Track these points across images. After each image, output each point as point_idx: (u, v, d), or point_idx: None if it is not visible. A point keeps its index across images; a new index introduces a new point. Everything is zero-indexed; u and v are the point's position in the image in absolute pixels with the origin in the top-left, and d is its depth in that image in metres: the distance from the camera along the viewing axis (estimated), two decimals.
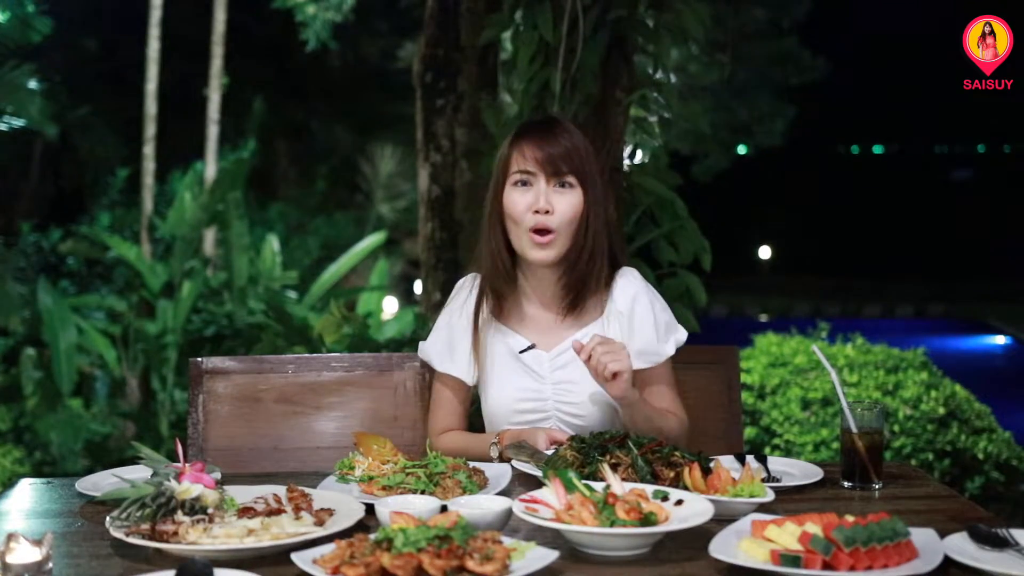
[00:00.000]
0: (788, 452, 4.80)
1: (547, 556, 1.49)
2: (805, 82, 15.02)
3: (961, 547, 1.57)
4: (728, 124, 14.74)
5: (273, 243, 9.69)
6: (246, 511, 1.69)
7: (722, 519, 1.68)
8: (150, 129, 10.64)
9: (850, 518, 1.53)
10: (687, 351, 2.36)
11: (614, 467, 1.88)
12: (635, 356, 2.22)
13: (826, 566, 1.47)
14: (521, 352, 2.28)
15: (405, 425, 2.50)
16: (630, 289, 2.29)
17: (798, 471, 2.09)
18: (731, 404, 2.57)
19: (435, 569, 1.40)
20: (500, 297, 2.29)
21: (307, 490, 1.82)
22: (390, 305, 10.69)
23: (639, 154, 3.80)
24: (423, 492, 1.86)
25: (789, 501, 1.89)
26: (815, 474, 2.05)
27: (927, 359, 5.25)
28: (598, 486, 1.71)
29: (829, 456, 4.67)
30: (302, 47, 9.98)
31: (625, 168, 3.63)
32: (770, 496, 1.80)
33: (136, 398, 8.14)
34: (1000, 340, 16.43)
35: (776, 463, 2.13)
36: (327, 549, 1.51)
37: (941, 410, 4.74)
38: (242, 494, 1.78)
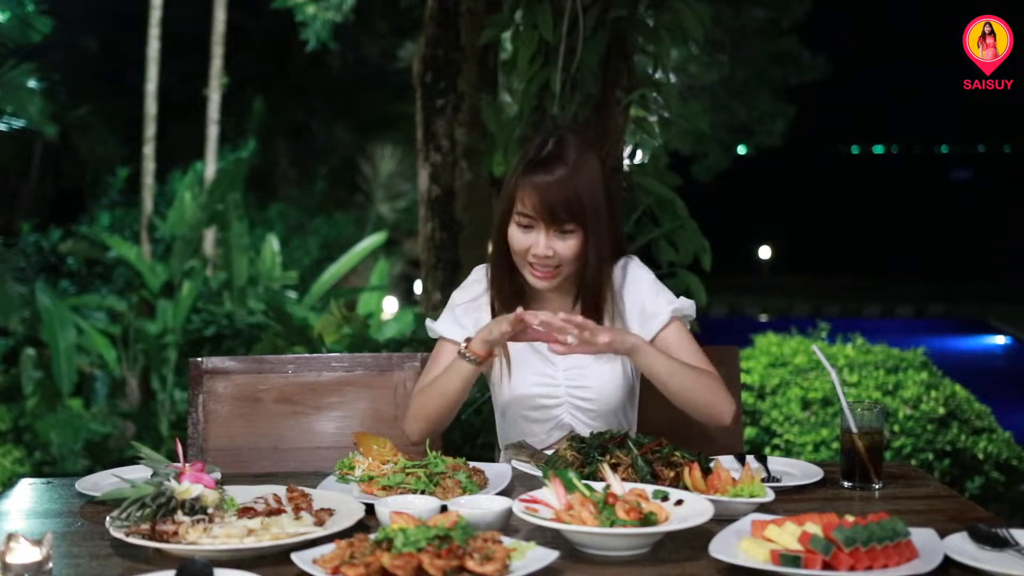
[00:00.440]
0: (788, 452, 4.80)
1: (547, 556, 1.49)
2: (805, 82, 15.01)
3: (961, 547, 1.57)
4: (728, 124, 14.73)
5: (273, 243, 9.69)
6: (246, 511, 1.69)
7: (722, 519, 1.68)
8: (150, 129, 10.65)
9: (850, 518, 1.53)
10: None
11: (614, 467, 1.88)
12: (636, 329, 2.26)
13: (826, 566, 1.47)
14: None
15: None
16: (632, 276, 2.34)
17: (798, 471, 2.09)
18: None
19: (435, 569, 1.40)
20: (506, 305, 2.32)
21: (307, 490, 1.82)
22: (390, 305, 10.69)
23: (639, 154, 3.80)
24: (423, 492, 1.86)
25: (789, 501, 1.89)
26: (815, 474, 2.05)
27: (927, 359, 5.25)
28: (598, 486, 1.71)
29: (829, 456, 4.67)
30: (302, 47, 9.99)
31: (625, 168, 3.63)
32: (770, 496, 1.80)
33: (136, 398, 8.14)
34: (1000, 340, 16.43)
35: (776, 463, 2.13)
36: (327, 549, 1.51)
37: (941, 410, 4.73)
38: (242, 494, 1.78)
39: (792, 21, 14.01)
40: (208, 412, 2.48)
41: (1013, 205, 23.61)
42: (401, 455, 2.01)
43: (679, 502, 1.70)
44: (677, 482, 1.86)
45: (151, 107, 10.62)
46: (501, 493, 1.88)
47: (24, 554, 1.41)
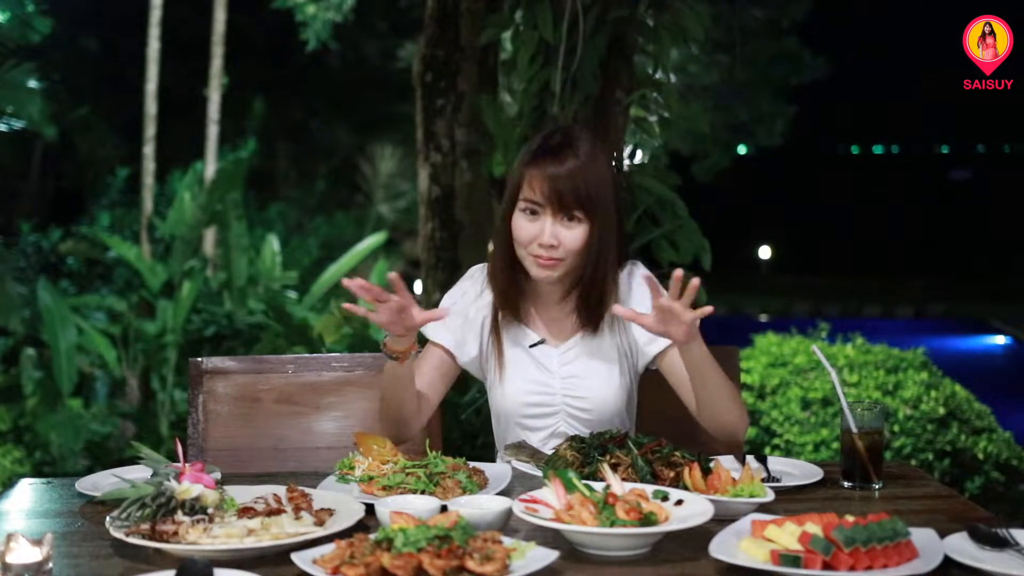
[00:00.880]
0: (788, 452, 4.80)
1: (547, 556, 1.49)
2: (805, 82, 15.03)
3: (961, 547, 1.57)
4: (728, 124, 14.74)
5: (273, 243, 9.70)
6: (246, 511, 1.69)
7: (722, 519, 1.68)
8: (150, 129, 10.66)
9: (850, 518, 1.53)
10: None
11: (614, 467, 1.88)
12: (649, 341, 2.24)
13: (826, 566, 1.47)
14: (532, 346, 2.29)
15: None
16: (633, 284, 2.30)
17: (798, 471, 2.09)
18: None
19: (435, 569, 1.40)
20: (508, 303, 2.29)
21: (307, 490, 1.82)
22: None
23: (639, 154, 3.80)
24: (423, 492, 1.86)
25: (789, 501, 1.89)
26: (815, 474, 2.05)
27: (927, 359, 5.25)
28: (598, 486, 1.70)
29: (829, 456, 4.67)
30: (302, 47, 9.98)
31: (625, 168, 3.63)
32: (770, 496, 1.80)
33: (136, 398, 8.14)
34: (1000, 340, 16.44)
35: (776, 463, 2.13)
36: (327, 549, 1.51)
37: (941, 410, 4.73)
38: (242, 494, 1.78)
39: (792, 21, 14.03)
40: (208, 412, 2.48)
41: (1013, 205, 23.61)
42: (401, 455, 2.01)
43: (679, 502, 1.70)
44: (677, 482, 1.86)
45: (151, 107, 10.63)
46: (501, 493, 1.88)
47: (24, 554, 1.41)
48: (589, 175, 2.16)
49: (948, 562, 1.52)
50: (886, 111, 27.17)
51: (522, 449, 2.20)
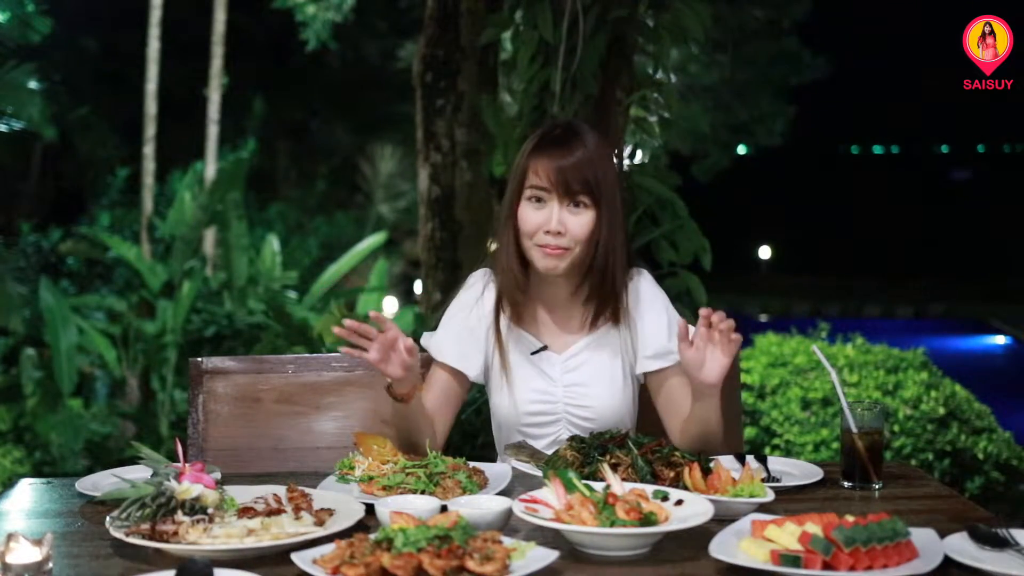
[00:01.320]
0: (788, 452, 4.80)
1: (547, 556, 1.49)
2: (805, 82, 15.02)
3: (961, 547, 1.57)
4: (728, 124, 14.73)
5: (273, 243, 9.70)
6: (246, 511, 1.69)
7: (722, 519, 1.68)
8: (150, 129, 10.65)
9: (850, 518, 1.53)
10: None
11: (614, 467, 1.88)
12: (651, 358, 2.23)
13: (826, 566, 1.47)
14: (533, 353, 2.27)
15: None
16: (643, 293, 2.28)
17: (798, 471, 2.09)
18: (731, 404, 2.56)
19: (435, 569, 1.40)
20: (514, 301, 2.28)
21: (307, 490, 1.81)
22: (390, 305, 10.69)
23: (639, 154, 3.80)
24: (423, 492, 1.86)
25: (789, 501, 1.89)
26: (815, 474, 2.05)
27: (927, 359, 5.25)
28: (598, 486, 1.70)
29: (829, 456, 4.67)
30: (302, 47, 9.98)
31: (625, 168, 3.63)
32: (770, 496, 1.79)
33: (136, 398, 8.14)
34: (1000, 340, 16.44)
35: (776, 463, 2.13)
36: (327, 549, 1.51)
37: (941, 410, 4.73)
38: (242, 494, 1.78)
39: (792, 21, 14.02)
40: (208, 412, 2.48)
41: (1013, 205, 23.61)
42: (401, 455, 2.01)
43: (679, 502, 1.70)
44: (677, 482, 1.86)
45: (151, 107, 10.63)
46: (501, 493, 1.88)
47: (24, 554, 1.41)
48: (595, 162, 2.16)
49: (948, 562, 1.52)
50: (886, 111, 27.17)
51: (522, 449, 2.20)
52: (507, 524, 1.69)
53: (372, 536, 1.50)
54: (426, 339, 2.34)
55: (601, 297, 2.23)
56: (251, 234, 10.00)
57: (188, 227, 8.74)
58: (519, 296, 2.25)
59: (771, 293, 20.80)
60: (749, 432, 4.91)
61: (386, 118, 14.57)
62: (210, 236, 10.24)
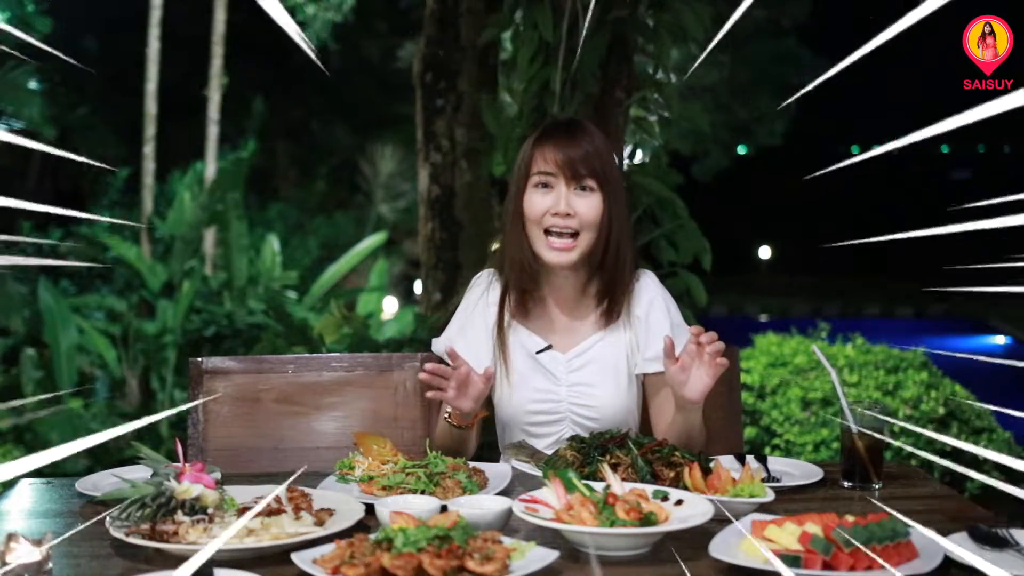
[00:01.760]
0: (788, 452, 4.80)
1: (547, 556, 1.49)
2: (805, 82, 15.01)
3: (961, 547, 1.57)
4: (728, 124, 14.74)
5: (273, 243, 9.70)
6: (246, 511, 1.69)
7: (722, 519, 1.68)
8: (150, 129, 10.65)
9: (850, 518, 1.53)
10: None
11: (614, 467, 1.88)
12: (651, 360, 2.24)
13: (826, 566, 1.47)
14: (538, 352, 2.27)
15: (405, 425, 2.50)
16: (648, 293, 2.29)
17: (798, 471, 2.09)
18: (731, 404, 2.57)
19: (435, 569, 1.40)
20: (523, 297, 2.27)
21: (307, 490, 1.81)
22: (390, 305, 10.69)
23: (639, 154, 3.80)
24: (423, 492, 1.86)
25: (789, 501, 1.89)
26: (815, 474, 2.05)
27: (927, 359, 5.25)
28: (598, 486, 1.70)
29: (829, 456, 4.67)
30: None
31: (625, 168, 3.63)
32: (770, 496, 1.79)
33: (136, 398, 8.14)
34: (1000, 340, 16.43)
35: (776, 463, 2.13)
36: (327, 549, 1.51)
37: (941, 410, 4.73)
38: (242, 494, 1.78)
39: (792, 21, 14.02)
40: (208, 412, 2.48)
41: (1013, 205, 23.56)
42: (401, 455, 2.01)
43: (679, 502, 1.70)
44: (677, 482, 1.85)
45: (151, 107, 10.63)
46: (501, 493, 1.88)
47: (24, 554, 1.41)
48: (600, 150, 2.19)
49: (948, 562, 1.52)
50: (886, 111, 27.17)
51: (522, 449, 2.20)
52: (507, 524, 1.69)
53: (372, 536, 1.50)
54: (436, 345, 2.35)
55: (612, 294, 2.24)
56: (251, 234, 9.99)
57: (188, 227, 8.74)
58: (531, 286, 2.26)
59: (771, 293, 20.79)
60: (749, 432, 4.91)
61: (386, 118, 14.56)
62: (210, 236, 10.23)
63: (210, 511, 1.64)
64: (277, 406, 2.51)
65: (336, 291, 9.65)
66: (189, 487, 1.65)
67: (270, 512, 1.69)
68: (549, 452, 2.24)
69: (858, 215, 26.29)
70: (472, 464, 1.99)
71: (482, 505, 1.72)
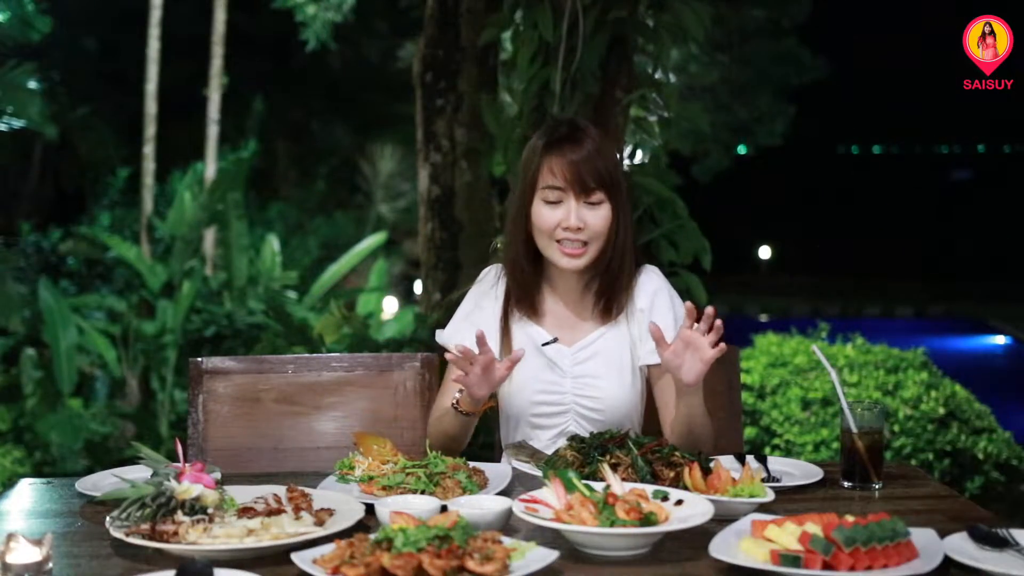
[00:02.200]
0: (788, 452, 4.80)
1: (547, 556, 1.49)
2: (805, 82, 15.02)
3: (961, 547, 1.57)
4: (728, 124, 14.73)
5: (273, 243, 9.70)
6: (246, 511, 1.69)
7: (722, 519, 1.68)
8: (150, 129, 10.66)
9: (850, 518, 1.53)
10: None
11: (614, 467, 1.88)
12: (653, 352, 2.23)
13: (826, 566, 1.47)
14: (544, 345, 2.29)
15: (405, 425, 2.50)
16: (650, 286, 2.32)
17: (798, 471, 2.09)
18: (731, 404, 2.57)
19: (435, 569, 1.40)
20: (522, 295, 2.30)
21: (307, 490, 1.82)
22: (390, 305, 10.69)
23: (639, 154, 3.80)
24: (423, 492, 1.86)
25: (789, 501, 1.89)
26: (815, 474, 2.05)
27: (927, 359, 5.25)
28: (598, 486, 1.70)
29: (829, 456, 4.67)
30: (302, 47, 9.99)
31: (625, 168, 3.63)
32: (770, 496, 1.80)
33: (136, 398, 8.14)
34: (1000, 340, 16.43)
35: (776, 463, 2.13)
36: (327, 549, 1.51)
37: (941, 410, 4.73)
38: (242, 494, 1.78)
39: (792, 21, 14.02)
40: (208, 412, 2.48)
41: (1013, 205, 23.61)
42: (401, 455, 2.01)
43: (679, 502, 1.70)
44: (677, 482, 1.86)
45: (151, 107, 10.63)
46: (501, 493, 1.88)
47: (24, 554, 1.41)
48: (606, 157, 2.21)
49: (948, 562, 1.52)
50: (886, 111, 27.17)
51: (522, 449, 2.20)
52: (507, 524, 1.69)
53: (372, 536, 1.50)
54: (440, 336, 2.36)
55: (612, 291, 2.27)
56: (251, 234, 9.99)
57: (188, 227, 8.74)
58: (528, 290, 2.30)
59: (771, 293, 20.79)
60: (749, 432, 4.91)
61: (386, 118, 14.56)
62: (210, 236, 10.23)
63: (210, 511, 1.64)
64: (277, 406, 2.51)
65: (336, 291, 9.65)
66: (189, 487, 1.65)
67: (270, 512, 1.69)
68: (553, 444, 2.27)
69: (859, 215, 26.32)
70: (472, 464, 1.99)
71: (482, 505, 1.73)
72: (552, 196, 2.19)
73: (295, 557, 1.50)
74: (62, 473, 6.69)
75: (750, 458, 2.11)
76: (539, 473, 1.94)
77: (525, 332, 2.31)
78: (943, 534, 1.60)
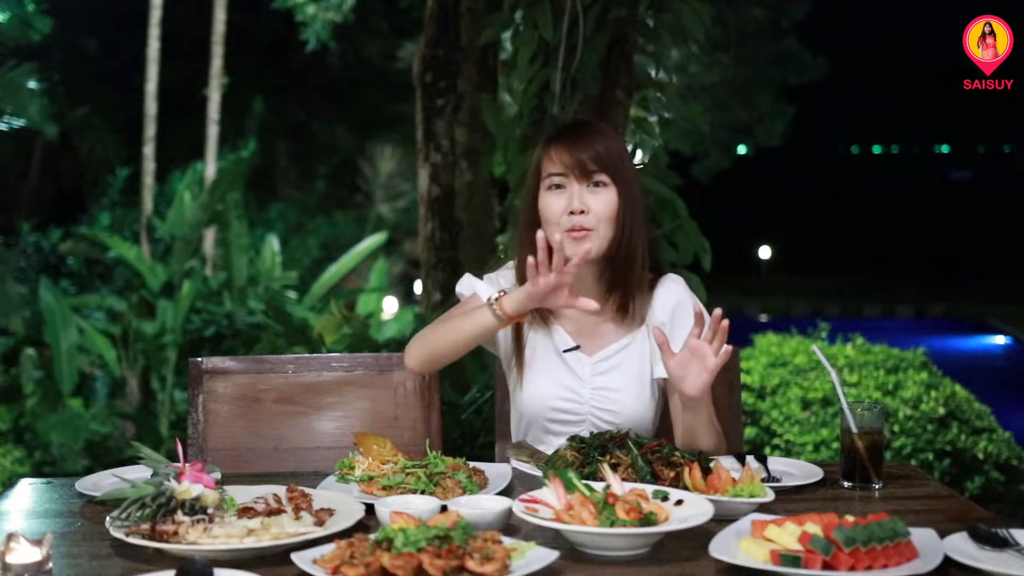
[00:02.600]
0: (788, 452, 4.80)
1: (547, 556, 1.49)
2: (805, 82, 15.04)
3: (961, 547, 1.57)
4: (728, 124, 14.74)
5: (273, 243, 9.71)
6: (246, 511, 1.69)
7: (722, 519, 1.68)
8: (150, 129, 10.66)
9: (850, 518, 1.53)
10: None
11: (614, 467, 1.88)
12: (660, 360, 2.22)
13: (826, 566, 1.47)
14: (566, 351, 2.26)
15: (405, 425, 2.50)
16: (672, 297, 2.26)
17: (798, 471, 2.08)
18: (731, 404, 2.56)
19: (435, 569, 1.40)
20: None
21: (307, 490, 1.81)
22: (390, 305, 10.70)
23: (639, 154, 3.80)
24: (423, 492, 1.86)
25: (789, 501, 1.89)
26: (815, 474, 2.04)
27: (927, 359, 5.25)
28: (598, 486, 1.70)
29: (829, 456, 4.67)
30: (302, 47, 9.99)
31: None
32: (770, 496, 1.79)
33: (136, 398, 8.15)
34: (1000, 340, 16.44)
35: (776, 463, 2.12)
36: (327, 549, 1.51)
37: (941, 410, 4.74)
38: (242, 494, 1.78)
39: (792, 21, 14.03)
40: (208, 412, 2.48)
41: (1013, 205, 23.62)
42: (401, 455, 2.01)
43: (679, 502, 1.69)
44: (677, 482, 1.85)
45: (151, 107, 10.64)
46: (501, 493, 1.88)
47: (24, 554, 1.41)
48: (609, 143, 2.19)
49: (948, 562, 1.52)
50: (886, 111, 27.19)
51: (522, 449, 2.20)
52: (507, 524, 1.69)
53: (372, 536, 1.50)
54: (461, 285, 2.32)
55: (626, 285, 2.21)
56: (251, 234, 10.00)
57: (188, 227, 8.75)
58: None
59: (771, 293, 20.80)
60: (749, 432, 4.91)
61: (386, 118, 14.57)
62: (210, 236, 10.24)
63: (210, 511, 1.64)
64: (277, 406, 2.50)
65: (336, 291, 9.66)
66: (189, 487, 1.65)
67: (270, 512, 1.69)
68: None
69: (858, 215, 26.33)
70: (472, 464, 1.99)
71: (482, 505, 1.72)
72: (555, 182, 2.17)
73: (295, 557, 1.50)
74: (62, 473, 6.70)
75: (750, 458, 2.11)
76: (539, 473, 1.94)
77: (546, 334, 2.27)
78: (943, 534, 1.60)
